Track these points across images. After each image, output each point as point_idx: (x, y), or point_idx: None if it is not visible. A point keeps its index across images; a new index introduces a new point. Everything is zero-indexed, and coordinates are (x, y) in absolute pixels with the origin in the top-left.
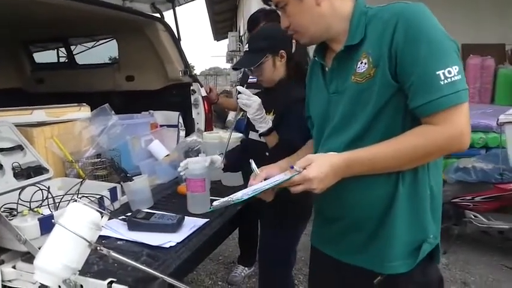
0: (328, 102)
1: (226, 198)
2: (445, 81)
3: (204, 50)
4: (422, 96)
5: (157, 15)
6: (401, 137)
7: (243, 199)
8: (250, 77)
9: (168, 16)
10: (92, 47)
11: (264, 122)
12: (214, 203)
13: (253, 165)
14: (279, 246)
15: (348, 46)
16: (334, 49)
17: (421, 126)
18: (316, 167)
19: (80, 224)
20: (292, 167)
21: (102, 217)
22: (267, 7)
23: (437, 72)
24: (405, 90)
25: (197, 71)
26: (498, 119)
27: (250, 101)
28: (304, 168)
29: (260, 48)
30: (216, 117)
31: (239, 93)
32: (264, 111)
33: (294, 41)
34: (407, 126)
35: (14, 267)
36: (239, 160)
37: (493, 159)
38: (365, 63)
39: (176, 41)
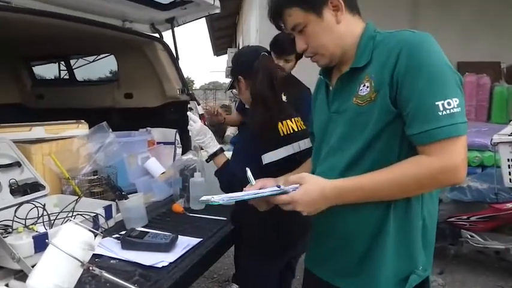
0: (328, 121)
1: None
2: (444, 112)
3: (203, 64)
4: (419, 124)
5: (157, 35)
6: (394, 167)
7: (217, 203)
8: None
9: (167, 35)
10: (93, 61)
11: (207, 146)
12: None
13: (249, 173)
14: (255, 270)
15: (353, 68)
16: (339, 69)
17: (416, 157)
18: (305, 191)
19: (73, 245)
20: (278, 187)
21: (95, 237)
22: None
23: (437, 103)
24: (403, 117)
25: (196, 85)
26: (492, 139)
27: (191, 126)
28: (299, 184)
29: (232, 71)
30: (214, 132)
31: None
32: (208, 135)
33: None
34: (404, 151)
35: (7, 285)
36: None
37: (488, 179)
38: (367, 87)
39: (174, 60)
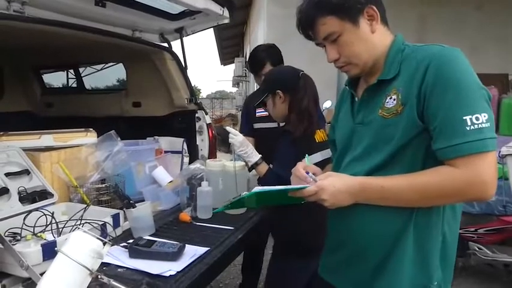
0: (353, 132)
1: (237, 197)
2: (472, 127)
3: (210, 74)
4: (446, 139)
5: (166, 44)
6: (418, 173)
7: (251, 193)
8: (257, 110)
9: (176, 45)
10: (101, 69)
11: (249, 156)
12: (225, 203)
13: (307, 158)
14: (287, 276)
15: (381, 80)
16: (366, 80)
17: (444, 167)
18: (332, 180)
19: (82, 253)
20: (307, 173)
21: (104, 245)
22: (266, 43)
23: (464, 118)
24: (430, 132)
25: (203, 94)
26: (500, 151)
27: (233, 139)
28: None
29: (262, 88)
30: (221, 141)
31: None
32: (250, 147)
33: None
34: (428, 165)
35: None
36: None
37: (496, 191)
38: (394, 99)
39: (183, 69)
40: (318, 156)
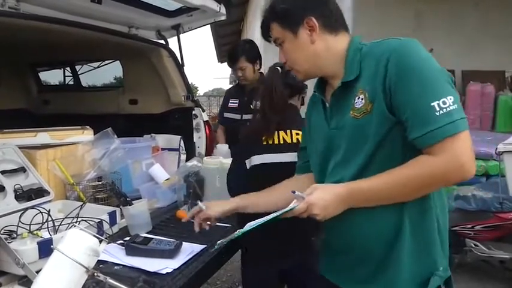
0: (330, 138)
1: (230, 236)
2: (441, 111)
3: (207, 71)
4: (419, 128)
5: (162, 41)
6: (400, 168)
7: (246, 230)
8: (230, 101)
9: (173, 42)
10: (98, 67)
11: None
12: (219, 242)
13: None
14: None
15: (345, 83)
16: (333, 85)
17: (420, 157)
18: (319, 193)
19: (78, 251)
20: (293, 192)
21: (100, 243)
22: (245, 39)
23: (432, 104)
24: (403, 123)
25: (200, 91)
26: (497, 148)
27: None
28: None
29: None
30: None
31: None
32: None
33: None
34: (408, 156)
35: None
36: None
37: (493, 188)
38: (362, 99)
39: (180, 66)
40: (267, 158)
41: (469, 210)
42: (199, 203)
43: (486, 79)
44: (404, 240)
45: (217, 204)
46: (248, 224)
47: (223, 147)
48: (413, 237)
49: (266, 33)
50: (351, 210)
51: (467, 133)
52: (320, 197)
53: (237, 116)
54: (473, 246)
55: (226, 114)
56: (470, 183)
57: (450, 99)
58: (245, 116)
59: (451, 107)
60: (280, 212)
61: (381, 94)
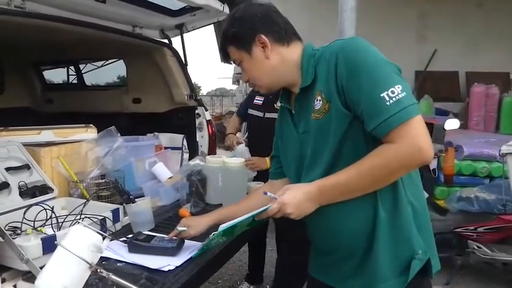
0: (300, 143)
1: (205, 241)
2: (391, 101)
3: (210, 71)
4: (373, 119)
5: (166, 41)
6: (364, 160)
7: (220, 231)
8: (256, 98)
9: (176, 41)
10: (101, 66)
11: None
12: (199, 247)
13: (269, 193)
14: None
15: (303, 88)
16: (295, 93)
17: (381, 146)
18: (291, 193)
19: (81, 247)
20: (265, 193)
21: (103, 240)
22: None
23: (382, 95)
24: (360, 117)
25: (203, 91)
26: (500, 150)
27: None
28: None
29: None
30: (220, 137)
31: None
32: None
33: None
34: (371, 147)
35: (14, 286)
36: None
37: (496, 190)
38: (319, 100)
39: (183, 65)
40: None
41: (471, 211)
42: (178, 228)
43: (490, 80)
44: (382, 230)
45: (198, 223)
46: (221, 225)
47: (241, 147)
48: (389, 226)
49: (225, 57)
50: (328, 209)
51: (419, 118)
52: (292, 197)
53: (260, 114)
54: (476, 248)
55: (251, 111)
56: (474, 184)
57: (398, 87)
58: (267, 115)
59: (400, 95)
60: (254, 213)
61: (335, 93)
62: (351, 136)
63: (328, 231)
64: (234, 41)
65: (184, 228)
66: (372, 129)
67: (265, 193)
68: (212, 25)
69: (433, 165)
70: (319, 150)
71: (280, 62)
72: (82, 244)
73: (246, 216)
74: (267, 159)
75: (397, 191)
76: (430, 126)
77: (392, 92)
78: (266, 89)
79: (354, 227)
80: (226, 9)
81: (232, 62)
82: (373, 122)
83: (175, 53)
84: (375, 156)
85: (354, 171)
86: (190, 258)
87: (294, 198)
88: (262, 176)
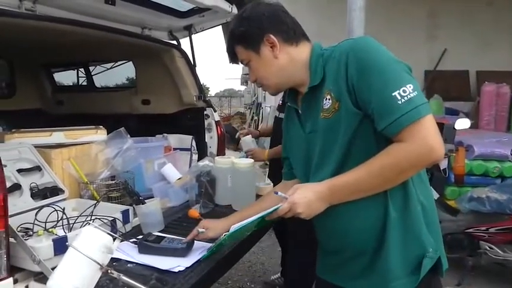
0: (307, 142)
1: (215, 242)
2: (402, 100)
3: (218, 71)
4: (385, 118)
5: (174, 42)
6: (374, 159)
7: (231, 232)
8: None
9: (184, 42)
10: (111, 68)
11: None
12: (208, 248)
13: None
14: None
15: (311, 87)
16: (302, 93)
17: (392, 146)
18: (301, 192)
19: (92, 248)
20: (276, 193)
21: (114, 241)
22: None
23: (393, 94)
24: (370, 116)
25: (212, 92)
26: None
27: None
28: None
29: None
30: (229, 138)
31: None
32: None
33: None
34: (382, 146)
35: (26, 286)
36: None
37: (508, 190)
38: (329, 99)
39: (192, 67)
40: None
41: (483, 212)
42: (198, 229)
43: (501, 79)
44: (393, 229)
45: (216, 226)
46: (233, 226)
47: (247, 138)
48: (400, 224)
49: (233, 57)
50: (337, 209)
51: (430, 117)
52: (302, 196)
53: (278, 114)
54: (488, 248)
55: (278, 114)
56: (485, 184)
57: (410, 87)
58: (281, 115)
59: (411, 94)
60: (264, 213)
61: (345, 92)
62: (360, 135)
63: (337, 231)
64: (242, 40)
65: (203, 230)
66: (383, 128)
67: (276, 193)
68: (220, 26)
69: (444, 165)
70: (328, 149)
71: (288, 61)
72: (93, 245)
73: (256, 216)
74: (266, 151)
75: (407, 190)
76: (440, 125)
77: (404, 91)
78: (274, 89)
79: (363, 226)
80: (235, 10)
81: (239, 62)
82: (384, 121)
83: (183, 54)
84: (385, 156)
85: (364, 171)
86: (200, 259)
87: (305, 197)
88: (274, 175)
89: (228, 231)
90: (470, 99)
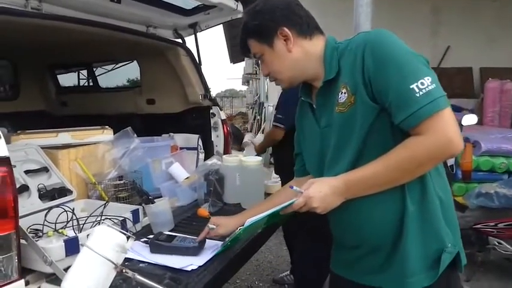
0: (322, 137)
1: (230, 236)
2: (420, 92)
3: (220, 72)
4: (403, 111)
5: (179, 40)
6: (391, 152)
7: (246, 226)
8: None
9: (189, 40)
10: (113, 69)
11: None
12: (223, 243)
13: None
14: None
15: (326, 81)
16: (316, 87)
17: (409, 139)
18: (316, 186)
19: (107, 247)
20: (291, 187)
21: (128, 240)
22: None
23: (411, 86)
24: (387, 109)
25: (213, 92)
26: None
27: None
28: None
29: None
30: (233, 138)
31: None
32: None
33: None
34: (399, 140)
35: None
36: None
37: None
38: (344, 93)
39: (197, 65)
40: None
41: (491, 207)
42: (209, 225)
43: (505, 76)
44: (411, 223)
45: (227, 222)
46: (248, 220)
47: (248, 135)
48: (418, 219)
49: (245, 50)
50: (354, 203)
51: (449, 110)
52: (318, 190)
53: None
54: (497, 244)
55: None
56: (492, 179)
57: (428, 79)
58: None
59: (430, 87)
60: (279, 207)
61: (361, 85)
62: (377, 129)
63: (353, 225)
64: (255, 33)
65: (214, 227)
66: (401, 121)
67: (291, 187)
68: (222, 26)
69: (451, 161)
70: (343, 144)
71: (303, 55)
72: (107, 244)
73: (271, 210)
74: (256, 145)
75: (425, 184)
76: None
77: (422, 84)
78: (287, 83)
79: (380, 220)
80: (240, 7)
81: (252, 56)
82: (402, 114)
83: (189, 52)
84: (403, 149)
85: (382, 165)
86: (213, 257)
87: (320, 192)
88: (281, 169)
89: (243, 226)
90: (474, 96)
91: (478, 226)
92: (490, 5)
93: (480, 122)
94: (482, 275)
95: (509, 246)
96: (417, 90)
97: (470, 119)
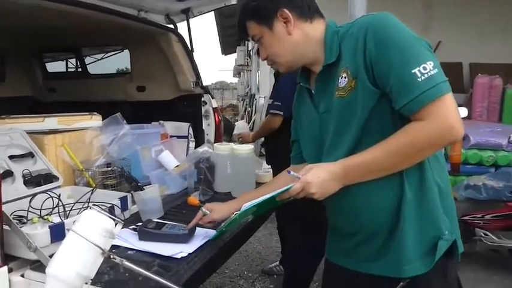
0: (320, 123)
1: (225, 221)
2: (422, 77)
3: (210, 63)
4: (404, 96)
5: (171, 26)
6: (391, 138)
7: (242, 211)
8: None
9: (181, 27)
10: (102, 58)
11: None
12: (218, 228)
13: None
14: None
15: (327, 65)
16: (315, 72)
17: (410, 124)
18: (314, 172)
19: (94, 231)
20: (289, 172)
21: (116, 225)
22: None
23: (413, 71)
24: (388, 94)
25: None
26: (510, 137)
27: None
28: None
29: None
30: (224, 130)
31: None
32: None
33: None
34: (398, 126)
35: (22, 275)
36: None
37: (504, 177)
38: (345, 77)
39: (189, 52)
40: None
41: (479, 199)
42: (203, 209)
43: (494, 72)
44: (408, 210)
45: (221, 208)
46: (244, 205)
47: (240, 124)
48: (416, 205)
49: (243, 32)
50: (352, 189)
51: (450, 95)
52: (316, 175)
53: (270, 102)
54: (483, 235)
55: None
56: (480, 172)
57: (430, 64)
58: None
59: (432, 72)
60: (276, 193)
61: (363, 69)
62: (377, 114)
63: (351, 212)
64: (254, 15)
65: (208, 212)
66: (402, 106)
67: (289, 172)
68: (214, 17)
69: None
70: (343, 129)
71: (303, 38)
72: (94, 229)
73: (268, 195)
74: (251, 134)
75: (423, 170)
76: None
77: (424, 68)
78: (286, 67)
79: (378, 207)
80: None
81: (250, 38)
82: (404, 99)
83: (181, 38)
84: (403, 134)
85: (381, 150)
86: (203, 244)
87: (318, 177)
88: (274, 159)
89: (239, 211)
90: (464, 91)
91: (466, 218)
92: (481, 1)
93: (469, 117)
94: (468, 266)
95: (495, 238)
96: (419, 75)
97: (460, 112)
